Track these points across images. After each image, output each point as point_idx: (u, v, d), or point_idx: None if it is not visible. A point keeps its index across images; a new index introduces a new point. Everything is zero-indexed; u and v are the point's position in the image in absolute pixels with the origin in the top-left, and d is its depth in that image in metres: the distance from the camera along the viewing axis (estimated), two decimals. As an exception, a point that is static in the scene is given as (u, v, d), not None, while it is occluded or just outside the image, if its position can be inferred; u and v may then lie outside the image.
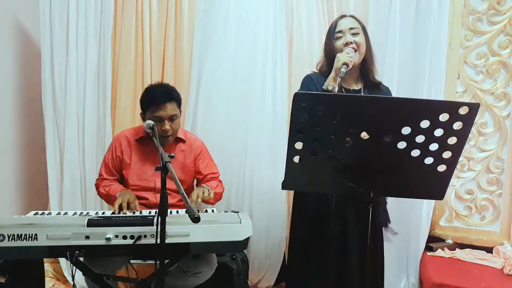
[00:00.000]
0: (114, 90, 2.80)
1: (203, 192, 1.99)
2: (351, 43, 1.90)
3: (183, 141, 2.22)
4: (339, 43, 1.93)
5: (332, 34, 1.96)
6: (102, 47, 2.76)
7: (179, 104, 2.12)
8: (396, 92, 2.58)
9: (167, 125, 2.04)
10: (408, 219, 2.66)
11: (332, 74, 1.84)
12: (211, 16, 2.76)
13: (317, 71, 2.05)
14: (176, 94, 2.13)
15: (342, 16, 2.01)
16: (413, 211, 2.66)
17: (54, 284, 2.75)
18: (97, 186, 2.19)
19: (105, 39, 2.74)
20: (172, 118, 2.06)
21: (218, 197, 2.21)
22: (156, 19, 2.79)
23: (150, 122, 1.89)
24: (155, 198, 2.11)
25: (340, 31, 1.94)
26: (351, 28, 1.93)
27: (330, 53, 1.96)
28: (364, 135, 1.29)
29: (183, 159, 2.19)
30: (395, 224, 2.63)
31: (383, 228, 2.01)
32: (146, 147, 2.16)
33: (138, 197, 2.09)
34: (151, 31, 2.78)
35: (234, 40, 2.77)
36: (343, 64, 1.79)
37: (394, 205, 2.58)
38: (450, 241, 2.76)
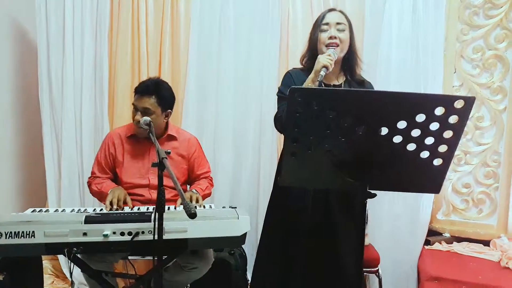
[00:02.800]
0: (111, 87, 2.79)
1: (191, 200, 2.02)
2: (335, 37, 1.89)
3: (175, 138, 2.21)
4: (323, 36, 1.91)
5: (318, 25, 1.95)
6: (98, 44, 2.75)
7: (160, 101, 2.08)
8: (394, 87, 2.59)
9: (137, 116, 2.04)
10: (406, 213, 2.67)
11: (312, 75, 1.83)
12: (207, 12, 2.76)
13: (297, 67, 2.05)
14: (159, 90, 2.09)
15: (331, 10, 1.99)
16: (411, 206, 2.67)
17: (53, 281, 2.76)
18: (89, 184, 2.20)
19: (102, 36, 2.73)
20: (145, 112, 2.04)
21: (206, 197, 2.26)
22: (152, 16, 2.78)
23: (147, 118, 1.93)
24: (149, 194, 2.11)
25: (326, 24, 1.93)
26: (337, 23, 1.92)
27: (313, 45, 1.96)
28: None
29: (176, 157, 2.18)
30: (395, 218, 2.66)
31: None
32: (139, 144, 2.16)
33: (132, 194, 2.10)
34: (148, 28, 2.77)
35: (231, 36, 2.77)
36: (323, 66, 1.78)
37: (392, 199, 2.61)
38: (447, 235, 2.78)
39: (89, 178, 2.22)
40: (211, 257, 2.06)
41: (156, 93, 2.06)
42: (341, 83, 1.99)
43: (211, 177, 2.35)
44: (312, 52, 1.97)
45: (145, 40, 2.77)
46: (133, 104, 2.09)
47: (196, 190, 2.15)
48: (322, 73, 1.77)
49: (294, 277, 1.94)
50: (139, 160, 2.15)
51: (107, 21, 2.73)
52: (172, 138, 2.21)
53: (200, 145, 2.33)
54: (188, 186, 2.29)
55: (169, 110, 2.15)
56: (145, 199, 2.11)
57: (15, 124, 2.79)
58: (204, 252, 2.02)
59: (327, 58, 1.80)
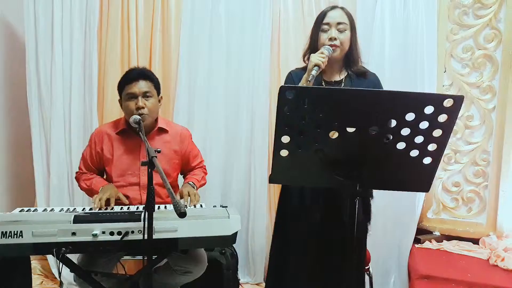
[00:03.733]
0: (100, 85, 2.77)
1: (189, 195, 2.00)
2: (335, 39, 1.86)
3: (166, 131, 2.16)
4: (324, 37, 1.88)
5: (319, 24, 1.91)
6: (88, 41, 2.72)
7: (155, 85, 2.08)
8: (388, 85, 2.59)
9: (141, 102, 1.98)
10: (396, 212, 2.68)
11: (305, 75, 1.82)
12: (198, 9, 2.74)
13: (299, 67, 2.03)
14: (152, 75, 2.10)
15: (333, 7, 1.93)
16: (401, 204, 2.68)
17: (42, 282, 2.73)
18: (77, 179, 2.17)
19: (91, 33, 2.70)
20: (146, 95, 2.01)
21: (202, 186, 2.26)
22: (142, 13, 2.76)
23: (136, 117, 1.90)
24: (139, 195, 2.05)
25: (327, 24, 1.89)
26: (338, 23, 1.87)
27: (314, 44, 1.94)
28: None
29: (167, 151, 2.12)
30: (385, 217, 2.67)
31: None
32: (129, 141, 2.10)
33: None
34: (138, 25, 2.75)
35: (222, 34, 2.76)
36: (314, 65, 1.77)
37: (382, 198, 2.62)
38: (437, 233, 2.80)
39: (76, 173, 2.19)
40: (205, 261, 2.02)
41: (148, 77, 2.06)
42: (342, 78, 1.97)
43: (204, 166, 2.34)
44: (313, 51, 1.93)
45: (135, 37, 2.75)
46: (127, 94, 2.00)
47: (193, 182, 2.14)
48: (313, 72, 1.76)
49: (297, 278, 1.94)
50: (129, 157, 2.09)
51: (96, 17, 2.70)
52: (163, 131, 2.15)
53: (191, 135, 2.28)
54: (182, 177, 2.28)
55: (161, 95, 2.15)
56: (135, 201, 2.04)
57: (3, 122, 2.76)
58: (198, 256, 2.00)
59: (319, 57, 1.78)
